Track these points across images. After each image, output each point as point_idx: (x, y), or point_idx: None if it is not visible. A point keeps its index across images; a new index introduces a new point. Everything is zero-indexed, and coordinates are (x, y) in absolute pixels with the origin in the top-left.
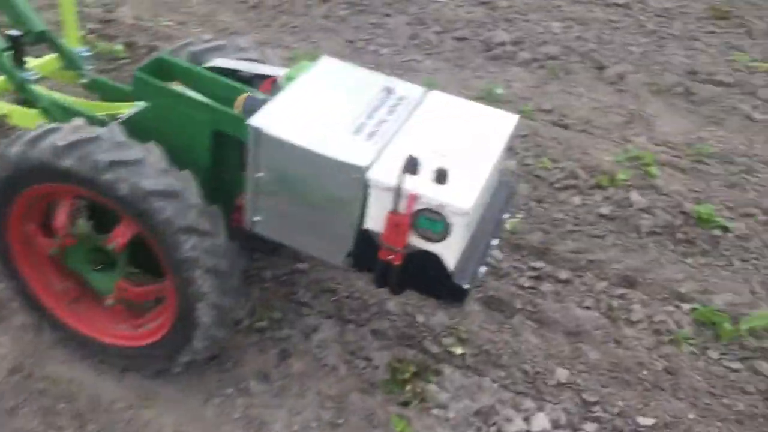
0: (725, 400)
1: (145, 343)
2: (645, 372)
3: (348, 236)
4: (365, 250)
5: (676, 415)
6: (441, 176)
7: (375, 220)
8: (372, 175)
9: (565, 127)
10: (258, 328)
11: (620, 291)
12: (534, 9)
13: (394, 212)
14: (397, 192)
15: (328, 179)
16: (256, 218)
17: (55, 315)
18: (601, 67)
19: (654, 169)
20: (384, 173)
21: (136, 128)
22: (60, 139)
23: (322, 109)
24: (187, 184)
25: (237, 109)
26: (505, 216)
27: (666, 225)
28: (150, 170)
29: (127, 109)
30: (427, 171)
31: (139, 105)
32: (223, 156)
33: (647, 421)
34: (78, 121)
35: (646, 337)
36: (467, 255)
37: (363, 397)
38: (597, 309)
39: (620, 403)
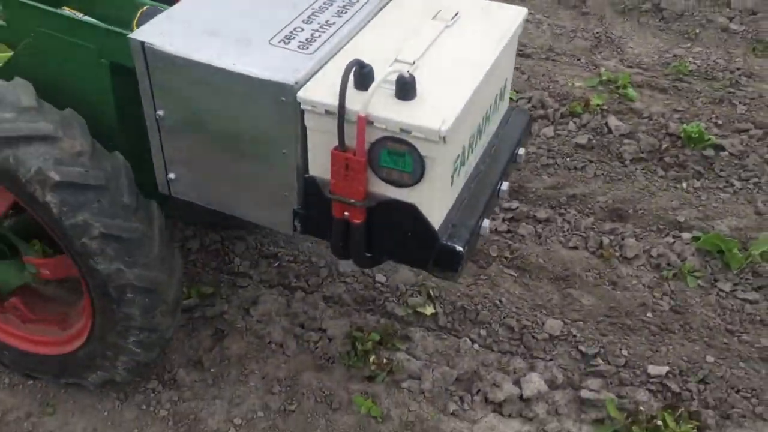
0: (745, 337)
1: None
2: (650, 314)
3: (291, 190)
4: (314, 207)
5: (692, 359)
6: (405, 88)
7: (320, 163)
8: (306, 94)
9: (527, 56)
10: (185, 307)
11: (610, 226)
12: None
13: (340, 147)
14: (341, 116)
15: (249, 109)
16: (171, 176)
17: None
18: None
19: (631, 92)
20: (322, 91)
21: (19, 71)
22: None
23: (239, 16)
24: (66, 123)
25: (134, 27)
26: (521, 151)
27: (652, 149)
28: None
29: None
30: (385, 85)
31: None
32: (133, 103)
33: (660, 370)
34: None
35: (646, 275)
36: (460, 203)
37: (318, 376)
38: (585, 248)
39: (625, 352)
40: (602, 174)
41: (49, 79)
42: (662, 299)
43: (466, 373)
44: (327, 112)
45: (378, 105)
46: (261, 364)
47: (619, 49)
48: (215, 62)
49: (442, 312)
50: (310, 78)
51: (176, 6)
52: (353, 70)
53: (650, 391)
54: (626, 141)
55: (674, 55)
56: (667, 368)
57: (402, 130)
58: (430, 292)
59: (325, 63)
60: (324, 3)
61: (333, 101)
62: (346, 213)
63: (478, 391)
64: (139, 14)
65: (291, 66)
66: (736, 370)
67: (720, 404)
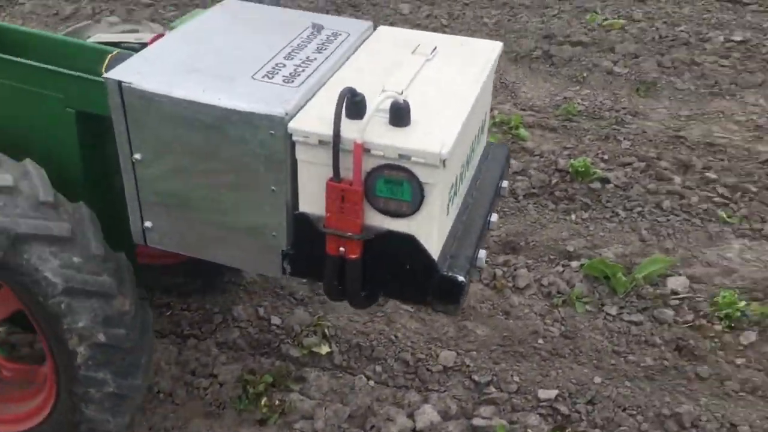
0: (631, 357)
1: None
2: (541, 340)
3: (280, 230)
4: (306, 245)
5: (580, 381)
6: (399, 114)
7: (312, 198)
8: (297, 125)
9: None
10: None
11: (503, 258)
12: None
13: (335, 179)
14: (336, 145)
15: (235, 144)
16: (147, 224)
17: None
18: None
19: (523, 132)
20: (314, 122)
21: None
22: None
23: (217, 54)
24: (26, 175)
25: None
26: (504, 184)
27: (543, 185)
28: (25, 203)
29: None
30: (379, 113)
31: None
32: (101, 144)
33: (549, 394)
34: None
35: (537, 303)
36: (455, 233)
37: (208, 423)
38: (480, 280)
39: (516, 378)
40: (496, 210)
41: (8, 130)
42: (553, 326)
43: (359, 410)
44: (321, 142)
45: (373, 132)
46: (148, 414)
47: (513, 94)
48: (199, 98)
49: (337, 351)
50: (299, 110)
51: (150, 47)
52: (345, 98)
53: (541, 414)
54: (519, 178)
55: (564, 98)
56: (556, 392)
57: (401, 155)
58: (326, 331)
59: (312, 95)
60: (302, 41)
61: (327, 130)
62: (341, 248)
63: (372, 426)
64: (108, 60)
65: (279, 98)
66: (622, 389)
67: (607, 424)
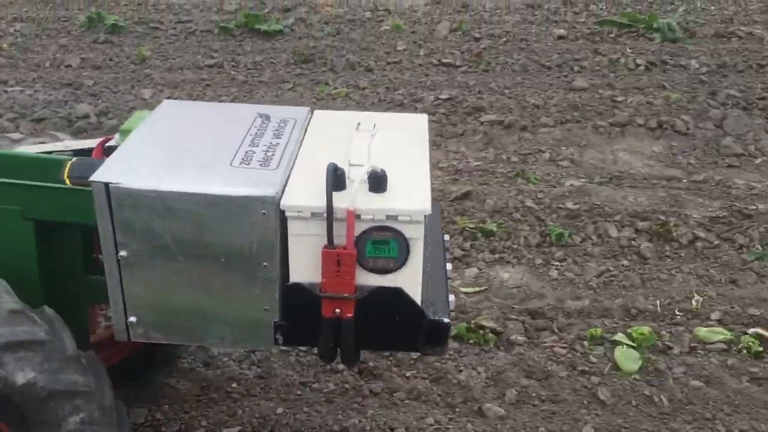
0: (316, 385)
1: None
2: (235, 384)
3: (272, 303)
4: (299, 313)
5: (263, 415)
6: (379, 181)
7: (304, 267)
8: (289, 201)
9: None
10: None
11: None
12: (120, 81)
13: (330, 245)
14: (329, 214)
15: (227, 229)
16: (131, 319)
17: None
18: None
19: None
20: (303, 197)
21: None
22: None
23: (188, 150)
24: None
25: (65, 179)
26: (446, 237)
27: None
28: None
29: None
30: (355, 183)
31: None
32: (56, 252)
33: (233, 431)
34: None
35: (236, 351)
36: (428, 281)
37: None
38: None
39: (204, 422)
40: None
41: None
42: (249, 369)
43: None
44: (313, 214)
45: (359, 200)
46: None
47: None
48: (189, 189)
49: None
50: (283, 189)
51: (120, 150)
52: (329, 169)
53: None
54: None
55: None
56: (239, 428)
57: (388, 216)
58: None
59: (289, 175)
60: (258, 129)
61: (318, 203)
62: (337, 310)
63: None
64: (68, 167)
65: (265, 181)
66: (300, 415)
67: None
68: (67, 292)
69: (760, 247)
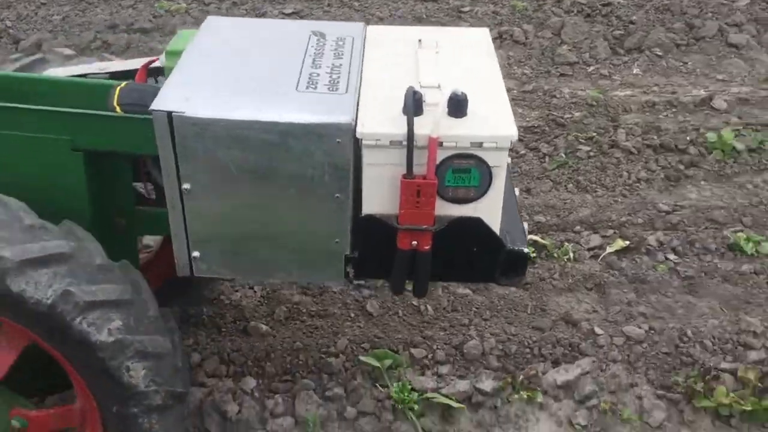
0: None
1: None
2: None
3: (343, 235)
4: (373, 246)
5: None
6: (458, 106)
7: (380, 198)
8: (366, 129)
9: None
10: None
11: None
12: None
13: (409, 175)
14: (410, 142)
15: (298, 158)
16: (195, 254)
17: None
18: (17, 41)
19: None
20: (380, 124)
21: None
22: None
23: (248, 72)
24: (76, 240)
25: (114, 106)
26: (509, 160)
27: None
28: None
29: None
30: (430, 108)
31: None
32: (105, 184)
33: None
34: None
35: None
36: (505, 209)
37: None
38: None
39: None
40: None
41: (12, 179)
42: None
43: None
44: (392, 142)
45: (440, 126)
46: None
47: None
48: (259, 117)
49: None
50: (356, 114)
51: (175, 74)
52: (408, 94)
53: None
54: None
55: None
56: None
57: (472, 143)
58: None
59: (358, 99)
60: (316, 49)
61: (397, 130)
62: (413, 242)
63: None
64: (117, 93)
65: (337, 107)
66: None
67: None
68: (116, 224)
69: (563, 155)
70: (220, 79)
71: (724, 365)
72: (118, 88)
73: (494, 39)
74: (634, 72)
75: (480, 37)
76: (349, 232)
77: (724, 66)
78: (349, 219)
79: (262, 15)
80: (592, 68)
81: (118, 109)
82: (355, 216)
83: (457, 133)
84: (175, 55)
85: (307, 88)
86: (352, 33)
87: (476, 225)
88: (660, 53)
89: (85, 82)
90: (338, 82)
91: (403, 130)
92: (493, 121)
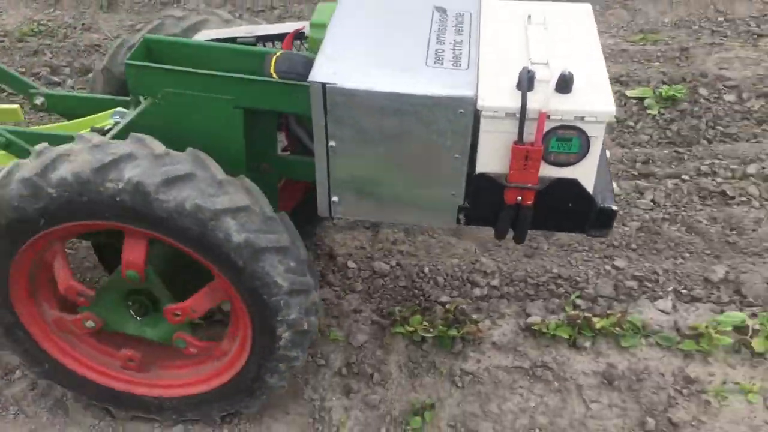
0: None
1: (214, 387)
2: None
3: (459, 189)
4: (483, 199)
5: None
6: (565, 84)
7: (493, 160)
8: (486, 102)
9: None
10: None
11: None
12: None
13: (520, 142)
14: (523, 115)
15: (427, 125)
16: (334, 199)
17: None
18: None
19: None
20: (498, 98)
21: (142, 131)
22: (88, 164)
23: (384, 46)
24: (253, 195)
25: (270, 73)
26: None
27: None
28: (207, 184)
29: (105, 119)
30: (540, 84)
31: (118, 111)
32: (256, 136)
33: None
34: (91, 137)
35: None
36: (599, 172)
37: None
38: None
39: None
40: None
41: (177, 132)
42: None
43: None
44: (507, 114)
45: (549, 102)
46: None
47: None
48: (397, 89)
49: None
50: (477, 89)
51: (325, 48)
52: (522, 73)
53: None
54: None
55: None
56: None
57: (576, 117)
58: None
59: (478, 74)
60: (439, 25)
61: (512, 104)
62: (519, 198)
63: None
64: (274, 60)
65: (461, 82)
66: None
67: None
68: (261, 168)
69: None
70: (361, 53)
71: (444, 298)
72: (275, 56)
73: None
74: None
75: (584, 13)
76: (463, 187)
77: (605, 16)
78: (465, 175)
79: None
80: None
81: (274, 75)
82: (469, 173)
83: (564, 108)
84: (318, 27)
85: (435, 63)
86: (469, 8)
87: (574, 185)
88: None
89: (247, 50)
90: (461, 58)
91: (517, 104)
92: (595, 98)
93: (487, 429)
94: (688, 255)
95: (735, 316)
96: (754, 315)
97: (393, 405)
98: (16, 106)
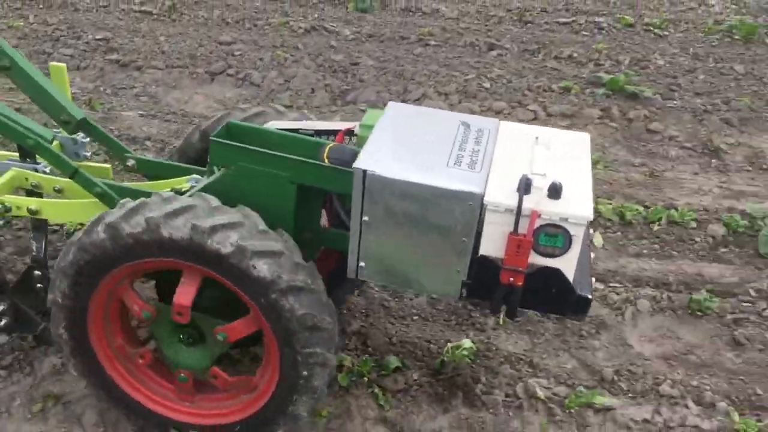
0: None
1: (241, 417)
2: None
3: (464, 267)
4: (482, 277)
5: None
6: (555, 191)
7: (492, 245)
8: (490, 199)
9: None
10: None
11: None
12: None
13: (515, 233)
14: (518, 212)
15: (442, 212)
16: (362, 264)
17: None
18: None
19: None
20: (501, 196)
21: (213, 195)
22: (159, 212)
23: (416, 148)
24: (287, 244)
25: (323, 159)
26: (591, 231)
27: None
28: (249, 231)
29: (185, 183)
30: (536, 189)
31: (193, 178)
32: (304, 209)
33: None
34: (165, 194)
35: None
36: (579, 266)
37: None
38: None
39: None
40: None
41: (242, 199)
42: None
43: None
44: (506, 210)
45: (541, 204)
46: None
47: None
48: (423, 181)
49: None
50: (485, 188)
51: (369, 144)
52: (522, 180)
53: None
54: None
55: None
56: None
57: (561, 218)
58: None
59: (488, 177)
60: (462, 136)
61: (511, 202)
62: (511, 279)
63: None
64: (327, 150)
65: (473, 181)
66: None
67: None
68: (305, 236)
69: None
70: (397, 150)
71: None
72: (328, 147)
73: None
74: None
75: (581, 139)
76: (468, 265)
77: None
78: (469, 256)
79: None
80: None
81: (326, 161)
82: (473, 255)
83: (552, 210)
84: (366, 128)
85: (454, 165)
86: (489, 126)
87: (557, 273)
88: None
89: (306, 139)
90: (476, 162)
91: (515, 203)
92: (577, 204)
93: None
94: None
95: None
96: None
97: None
98: (108, 165)
